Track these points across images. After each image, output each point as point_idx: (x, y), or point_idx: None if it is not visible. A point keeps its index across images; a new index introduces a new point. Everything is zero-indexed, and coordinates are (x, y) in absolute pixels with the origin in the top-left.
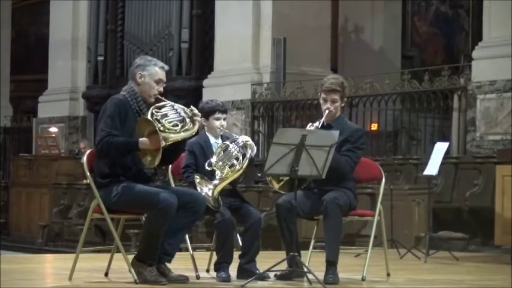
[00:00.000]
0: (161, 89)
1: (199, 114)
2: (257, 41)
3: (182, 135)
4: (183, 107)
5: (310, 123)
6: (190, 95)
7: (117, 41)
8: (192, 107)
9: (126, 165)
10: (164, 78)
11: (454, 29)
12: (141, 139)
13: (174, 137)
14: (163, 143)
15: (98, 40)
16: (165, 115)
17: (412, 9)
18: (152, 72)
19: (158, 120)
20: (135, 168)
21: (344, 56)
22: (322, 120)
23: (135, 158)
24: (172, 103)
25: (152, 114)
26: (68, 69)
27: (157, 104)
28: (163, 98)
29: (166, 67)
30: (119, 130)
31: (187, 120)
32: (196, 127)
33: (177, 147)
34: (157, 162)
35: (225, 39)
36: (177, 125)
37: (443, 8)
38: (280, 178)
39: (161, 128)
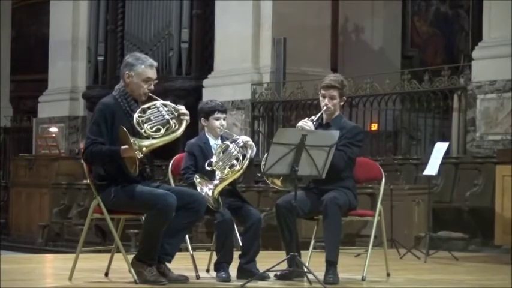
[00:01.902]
0: (151, 87)
1: (187, 113)
2: (257, 41)
3: (166, 138)
4: (172, 105)
5: (306, 118)
6: (190, 95)
7: (117, 41)
8: (179, 105)
9: (121, 168)
10: (154, 76)
11: (454, 29)
12: (122, 147)
13: (155, 142)
14: (139, 154)
15: (98, 40)
16: (149, 119)
17: (412, 9)
18: (140, 71)
19: (142, 124)
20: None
21: (344, 56)
22: (318, 115)
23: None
24: (160, 103)
25: (137, 118)
26: (68, 69)
27: (143, 106)
28: (155, 96)
29: (155, 64)
30: (105, 136)
31: (172, 122)
32: (182, 127)
33: (174, 143)
34: (136, 170)
35: (225, 39)
36: (160, 130)
37: (443, 8)
38: None
39: (144, 134)
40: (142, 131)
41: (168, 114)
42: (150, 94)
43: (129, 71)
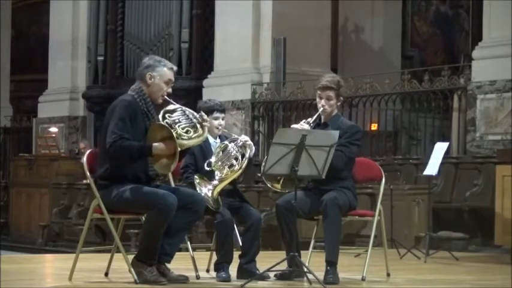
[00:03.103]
0: (170, 89)
1: (208, 119)
2: (257, 41)
3: (193, 141)
4: (192, 111)
5: (303, 120)
6: (190, 95)
7: (117, 41)
8: (201, 112)
9: (129, 168)
10: (173, 79)
11: (454, 29)
12: (155, 144)
13: (186, 143)
14: (178, 149)
15: (98, 40)
16: (178, 121)
17: (412, 9)
18: (162, 73)
19: (170, 126)
20: (137, 171)
21: (344, 56)
22: (315, 117)
23: (139, 162)
24: (183, 108)
25: (164, 118)
26: (68, 69)
27: (167, 108)
28: (171, 100)
29: (175, 68)
30: (130, 133)
31: (198, 126)
32: (205, 133)
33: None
34: (173, 167)
35: (225, 39)
36: (189, 131)
37: (443, 8)
38: (278, 178)
39: (174, 134)
40: (174, 131)
41: (194, 118)
42: (165, 97)
43: (152, 71)
